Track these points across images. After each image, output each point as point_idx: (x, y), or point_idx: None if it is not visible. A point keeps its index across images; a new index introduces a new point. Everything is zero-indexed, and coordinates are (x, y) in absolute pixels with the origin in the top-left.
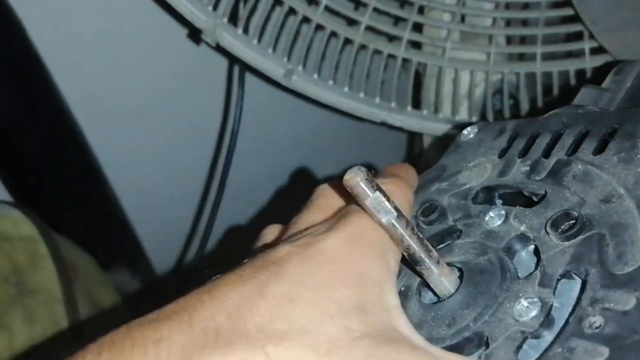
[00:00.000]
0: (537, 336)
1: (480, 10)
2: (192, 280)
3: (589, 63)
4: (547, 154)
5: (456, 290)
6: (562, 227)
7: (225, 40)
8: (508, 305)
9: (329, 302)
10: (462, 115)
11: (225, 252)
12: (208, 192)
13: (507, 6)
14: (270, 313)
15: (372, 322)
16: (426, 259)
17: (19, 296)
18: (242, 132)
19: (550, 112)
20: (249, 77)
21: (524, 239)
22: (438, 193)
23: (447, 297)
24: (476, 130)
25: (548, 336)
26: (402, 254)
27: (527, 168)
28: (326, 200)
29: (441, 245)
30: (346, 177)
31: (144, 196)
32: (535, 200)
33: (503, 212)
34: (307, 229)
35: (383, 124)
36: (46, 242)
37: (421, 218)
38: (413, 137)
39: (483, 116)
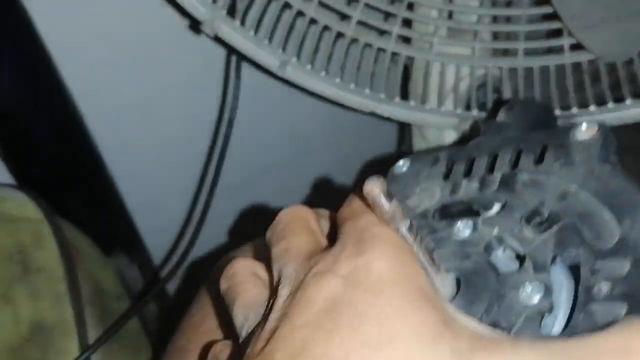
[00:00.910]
0: (552, 313)
1: (466, 8)
2: (183, 266)
3: (568, 59)
4: (490, 171)
5: (456, 292)
6: (534, 222)
7: (224, 32)
8: (512, 295)
9: (422, 327)
10: (448, 107)
11: (218, 241)
12: (204, 181)
13: (492, 4)
14: None
15: (461, 331)
16: (429, 266)
17: (23, 273)
18: (238, 122)
19: (474, 140)
20: (246, 71)
21: (500, 239)
22: None
23: (451, 300)
24: (409, 162)
25: (562, 312)
26: None
27: (477, 184)
28: (301, 222)
29: None
30: (368, 187)
31: (142, 184)
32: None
33: (470, 221)
34: (316, 259)
35: (372, 114)
36: (50, 223)
37: None
38: (403, 129)
39: (468, 108)
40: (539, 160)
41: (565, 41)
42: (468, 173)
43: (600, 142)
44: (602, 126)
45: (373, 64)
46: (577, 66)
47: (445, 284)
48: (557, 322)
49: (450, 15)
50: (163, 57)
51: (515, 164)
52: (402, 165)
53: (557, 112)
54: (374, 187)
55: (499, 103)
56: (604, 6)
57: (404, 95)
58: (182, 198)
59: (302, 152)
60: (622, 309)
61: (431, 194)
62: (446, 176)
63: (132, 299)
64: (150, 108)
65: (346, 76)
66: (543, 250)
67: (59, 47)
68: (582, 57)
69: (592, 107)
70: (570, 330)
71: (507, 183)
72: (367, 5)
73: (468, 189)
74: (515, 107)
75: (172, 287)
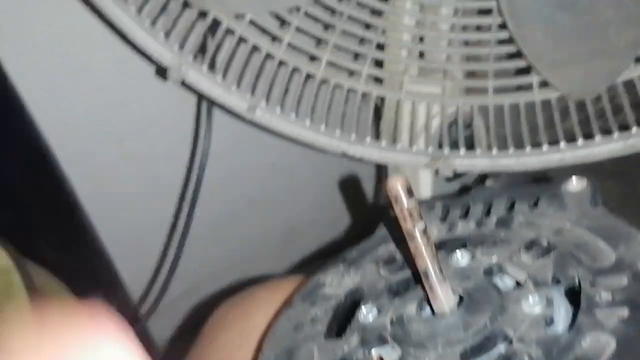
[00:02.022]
0: (554, 322)
1: (435, 47)
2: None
3: (537, 96)
4: (486, 214)
5: (459, 303)
6: (533, 251)
7: (191, 78)
8: (515, 307)
9: None
10: (420, 145)
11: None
12: (177, 220)
13: (462, 43)
14: None
15: None
16: (433, 274)
17: None
18: (210, 163)
19: (466, 194)
20: (217, 111)
21: (499, 266)
22: (395, 248)
23: (453, 311)
24: None
25: (561, 326)
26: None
27: (474, 225)
28: None
29: None
30: (391, 183)
31: (117, 224)
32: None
33: (468, 251)
34: None
35: (344, 155)
36: (20, 273)
37: (385, 267)
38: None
39: (440, 146)
40: (534, 205)
41: (534, 78)
42: (464, 216)
43: (591, 191)
44: (590, 180)
45: (344, 105)
46: (546, 103)
47: (449, 293)
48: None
49: (420, 54)
50: (135, 99)
51: (510, 209)
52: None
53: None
54: (397, 184)
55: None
56: (568, 46)
57: (376, 135)
58: (157, 238)
59: (278, 189)
60: (624, 311)
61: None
62: (443, 219)
63: None
64: (124, 149)
65: (316, 118)
66: (542, 271)
67: (31, 90)
68: (551, 94)
69: (562, 144)
70: (576, 329)
71: (503, 223)
72: (336, 46)
73: (465, 227)
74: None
75: (151, 325)
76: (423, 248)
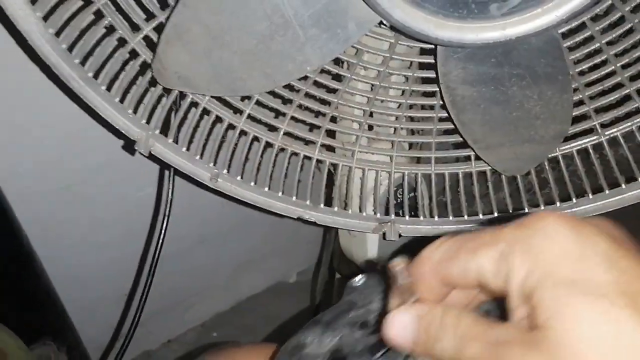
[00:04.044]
0: None
1: (384, 121)
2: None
3: (474, 168)
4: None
5: None
6: None
7: (158, 149)
8: None
9: None
10: (368, 211)
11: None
12: (141, 274)
13: (408, 119)
14: None
15: None
16: None
17: None
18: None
19: None
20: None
21: None
22: (363, 315)
23: None
24: (364, 279)
25: None
26: None
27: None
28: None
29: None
30: (394, 263)
31: (72, 271)
32: None
33: None
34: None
35: (300, 219)
36: None
37: (360, 330)
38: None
39: (387, 209)
40: None
41: (471, 152)
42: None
43: None
44: None
45: (299, 172)
46: (482, 173)
47: None
48: None
49: (370, 127)
50: (99, 164)
51: None
52: (358, 280)
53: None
54: (399, 264)
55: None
56: (501, 133)
57: (329, 200)
58: (115, 289)
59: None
60: None
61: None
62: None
63: None
64: (79, 197)
65: (274, 184)
66: None
67: None
68: (486, 167)
69: (496, 214)
70: None
71: None
72: (293, 118)
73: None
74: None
75: None
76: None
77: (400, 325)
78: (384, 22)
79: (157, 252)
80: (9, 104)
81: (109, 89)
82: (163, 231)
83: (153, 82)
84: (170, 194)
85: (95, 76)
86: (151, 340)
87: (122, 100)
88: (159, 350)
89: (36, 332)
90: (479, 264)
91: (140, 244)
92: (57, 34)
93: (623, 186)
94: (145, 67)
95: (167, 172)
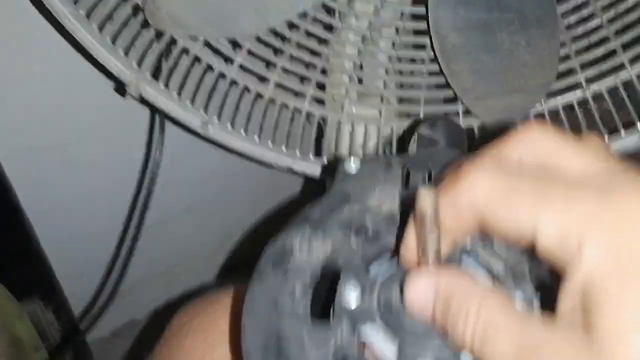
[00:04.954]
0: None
1: (374, 75)
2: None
3: (462, 123)
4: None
5: None
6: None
7: (148, 93)
8: None
9: None
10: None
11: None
12: (127, 230)
13: (398, 72)
14: None
15: None
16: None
17: None
18: (161, 175)
19: (416, 151)
20: (169, 125)
21: (475, 255)
22: (358, 213)
23: None
24: (358, 163)
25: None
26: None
27: None
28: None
29: None
30: (423, 194)
31: (61, 230)
32: None
33: None
34: None
35: (289, 170)
36: None
37: (357, 237)
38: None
39: None
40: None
41: (460, 107)
42: (429, 181)
43: None
44: None
45: (289, 123)
46: (470, 129)
47: None
48: None
49: (359, 80)
50: (90, 110)
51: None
52: (352, 165)
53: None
54: (428, 199)
55: (418, 121)
56: (490, 82)
57: (318, 152)
58: (102, 245)
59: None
60: None
61: (392, 196)
62: (406, 182)
63: (48, 349)
64: (73, 157)
65: (264, 135)
66: (520, 265)
67: None
68: (473, 122)
69: None
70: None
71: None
72: (284, 69)
73: None
74: (438, 124)
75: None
76: (431, 253)
77: (419, 291)
78: None
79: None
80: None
81: (100, 30)
82: (152, 184)
83: (145, 25)
84: (160, 144)
85: (87, 15)
86: (137, 310)
87: (113, 42)
88: (144, 319)
89: (24, 290)
90: (539, 226)
91: (127, 207)
92: None
93: (606, 139)
94: (137, 10)
95: (157, 120)
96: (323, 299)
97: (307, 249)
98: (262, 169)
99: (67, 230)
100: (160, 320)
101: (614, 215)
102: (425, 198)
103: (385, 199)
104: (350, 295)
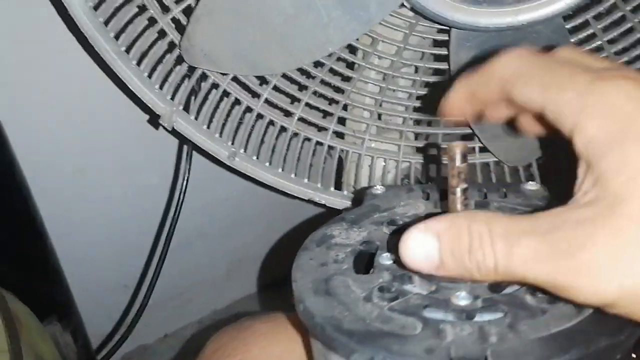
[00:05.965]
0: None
1: (393, 111)
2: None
3: (478, 159)
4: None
5: None
6: None
7: (180, 125)
8: None
9: None
10: None
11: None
12: (152, 257)
13: (415, 109)
14: None
15: None
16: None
17: None
18: (187, 202)
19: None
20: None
21: None
22: (388, 216)
23: None
24: (384, 188)
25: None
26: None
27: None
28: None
29: None
30: (454, 143)
31: (84, 255)
32: None
33: None
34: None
35: (310, 201)
36: None
37: (388, 226)
38: None
39: None
40: (503, 196)
41: (476, 144)
42: (445, 198)
43: (547, 190)
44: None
45: (311, 156)
46: (486, 165)
47: None
48: None
49: (379, 116)
50: (120, 138)
51: (484, 197)
52: (379, 189)
53: None
54: (458, 146)
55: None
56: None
57: (338, 184)
58: (126, 270)
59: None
60: (544, 304)
61: (415, 207)
62: (426, 198)
63: None
64: (99, 182)
65: (287, 166)
66: None
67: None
68: (490, 158)
69: None
70: None
71: (482, 205)
72: (308, 104)
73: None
74: None
75: None
76: (459, 203)
77: (417, 245)
78: (405, 3)
79: (168, 239)
80: (31, 81)
81: (138, 64)
82: (178, 212)
83: (179, 61)
84: (187, 173)
85: (127, 51)
86: (147, 334)
87: (149, 76)
88: (155, 345)
89: (43, 311)
90: (554, 101)
91: (151, 232)
92: (96, 7)
93: None
94: (172, 47)
95: (184, 152)
96: (362, 271)
97: (346, 236)
98: (273, 195)
99: (86, 255)
100: (170, 346)
101: (607, 89)
102: (455, 148)
103: (410, 209)
104: (387, 259)
